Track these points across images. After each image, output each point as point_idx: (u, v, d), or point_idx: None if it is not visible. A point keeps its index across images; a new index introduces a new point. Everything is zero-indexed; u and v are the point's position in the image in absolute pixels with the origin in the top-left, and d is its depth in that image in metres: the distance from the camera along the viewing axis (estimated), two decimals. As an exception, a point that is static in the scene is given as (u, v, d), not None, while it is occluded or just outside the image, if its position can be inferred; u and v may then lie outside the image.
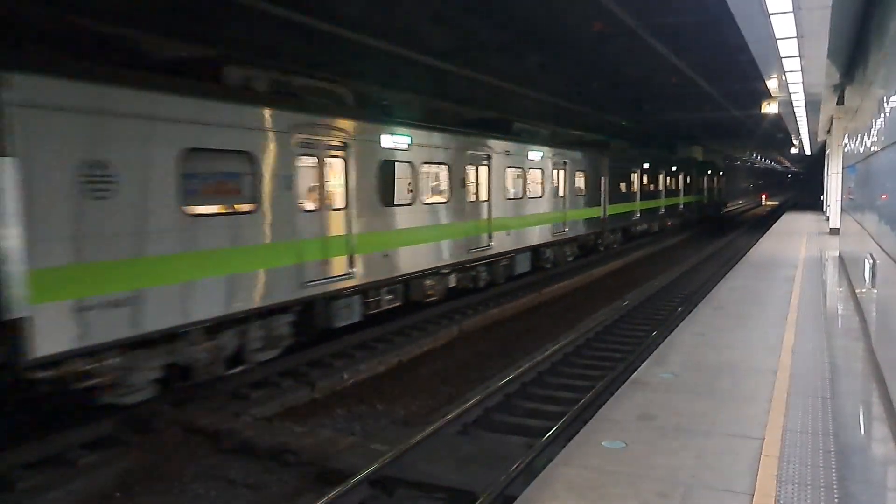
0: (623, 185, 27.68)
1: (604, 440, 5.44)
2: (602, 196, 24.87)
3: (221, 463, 7.73)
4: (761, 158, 71.95)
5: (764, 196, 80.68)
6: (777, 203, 77.26)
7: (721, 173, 54.12)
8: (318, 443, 8.03)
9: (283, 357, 10.77)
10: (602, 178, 24.75)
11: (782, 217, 39.64)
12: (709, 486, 4.64)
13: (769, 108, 19.37)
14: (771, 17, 7.73)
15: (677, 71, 21.09)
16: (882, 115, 7.62)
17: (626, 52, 18.79)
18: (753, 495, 4.47)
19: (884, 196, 7.69)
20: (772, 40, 9.07)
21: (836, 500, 4.41)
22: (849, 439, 5.56)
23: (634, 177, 29.39)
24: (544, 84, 22.42)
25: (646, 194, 31.22)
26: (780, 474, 4.78)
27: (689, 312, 11.64)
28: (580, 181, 22.78)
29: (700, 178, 44.28)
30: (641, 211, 30.42)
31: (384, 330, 13.14)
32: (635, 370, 7.87)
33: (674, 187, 37.23)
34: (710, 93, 25.35)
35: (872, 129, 8.97)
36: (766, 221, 40.34)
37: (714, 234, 38.08)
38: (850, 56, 12.15)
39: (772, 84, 14.02)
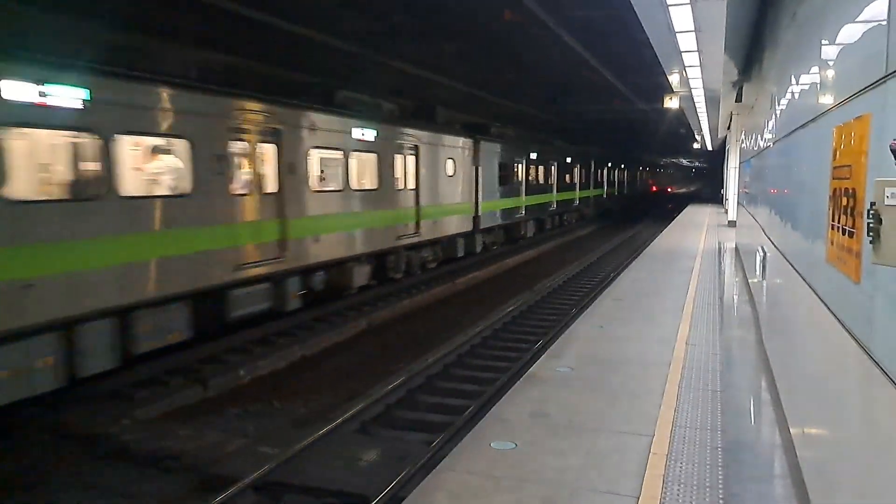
0: (504, 177, 23.72)
1: (493, 441, 5.27)
2: (473, 189, 20.77)
3: (95, 469, 7.16)
4: (669, 154, 74.47)
5: (670, 188, 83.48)
6: (682, 193, 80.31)
7: (622, 166, 53.09)
8: (203, 446, 7.58)
9: (172, 353, 10.17)
10: (476, 167, 20.83)
11: (685, 209, 41.09)
12: (594, 489, 4.52)
13: (671, 103, 19.73)
14: (669, 8, 7.74)
15: (587, 64, 21.33)
16: (772, 112, 7.77)
17: (537, 44, 18.83)
18: (639, 498, 4.38)
19: (771, 190, 7.86)
20: (671, 34, 9.14)
21: (720, 501, 4.38)
22: (737, 434, 5.60)
23: (519, 168, 25.59)
24: (460, 73, 22.17)
25: (533, 188, 27.53)
26: (666, 474, 4.72)
27: (590, 304, 11.73)
28: (441, 171, 18.55)
29: (599, 172, 42.83)
30: (527, 207, 26.73)
31: (286, 324, 12.66)
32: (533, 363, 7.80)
33: (568, 181, 34.12)
34: (617, 86, 25.83)
35: (763, 126, 9.19)
36: (669, 213, 41.71)
37: (620, 225, 39.11)
38: (747, 54, 12.49)
39: (673, 79, 14.28)
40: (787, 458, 5.05)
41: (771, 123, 8.12)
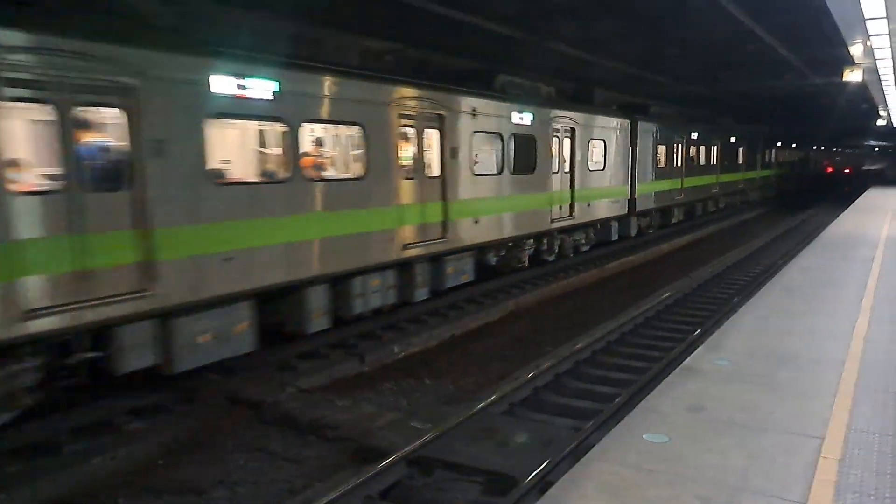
0: (663, 159, 23.49)
1: (646, 433, 5.09)
2: (630, 172, 20.43)
3: (262, 434, 7.73)
4: (849, 132, 67.91)
5: (848, 169, 76.29)
6: (863, 174, 73.30)
7: (794, 146, 49.92)
8: (359, 417, 7.96)
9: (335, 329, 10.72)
10: (633, 149, 20.48)
11: (866, 193, 37.50)
12: (758, 491, 4.25)
13: (851, 76, 17.94)
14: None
15: (753, 36, 19.84)
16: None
17: (699, 17, 17.72)
18: (807, 504, 4.08)
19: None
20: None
21: (901, 514, 3.99)
22: (923, 442, 5.05)
23: (679, 148, 24.93)
24: (619, 52, 21.31)
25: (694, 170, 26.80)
26: (839, 481, 4.35)
27: (754, 294, 11.02)
28: (597, 153, 18.43)
29: (767, 152, 40.32)
30: (687, 189, 25.78)
31: (437, 304, 12.96)
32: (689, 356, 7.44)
33: (733, 162, 32.65)
34: (789, 60, 23.84)
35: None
36: (847, 197, 38.17)
37: (790, 209, 36.35)
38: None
39: (855, 50, 12.98)
40: None
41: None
